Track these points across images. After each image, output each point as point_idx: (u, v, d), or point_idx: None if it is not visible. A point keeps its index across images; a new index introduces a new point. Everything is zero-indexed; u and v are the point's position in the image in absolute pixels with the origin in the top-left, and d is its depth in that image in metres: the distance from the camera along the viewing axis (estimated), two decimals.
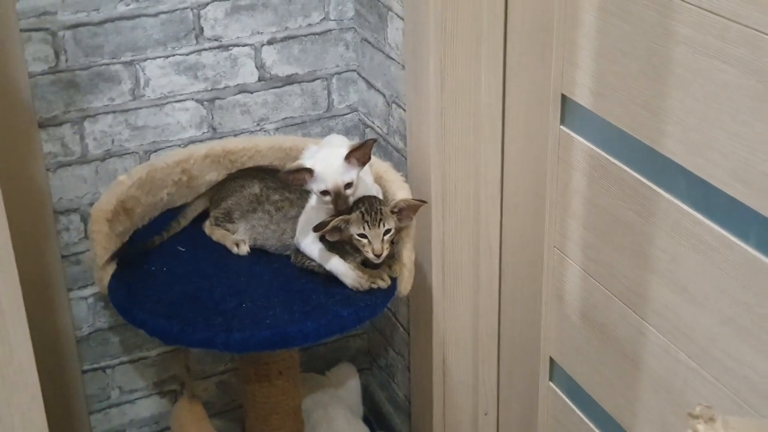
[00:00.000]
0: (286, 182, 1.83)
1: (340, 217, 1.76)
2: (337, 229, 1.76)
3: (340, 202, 1.77)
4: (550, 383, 2.08)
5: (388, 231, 1.77)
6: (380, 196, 1.89)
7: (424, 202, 1.85)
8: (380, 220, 1.76)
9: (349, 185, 1.77)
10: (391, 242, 1.78)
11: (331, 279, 1.83)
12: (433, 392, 2.17)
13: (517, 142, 1.95)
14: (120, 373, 2.30)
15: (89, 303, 2.20)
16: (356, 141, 2.01)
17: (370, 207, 1.77)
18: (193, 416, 2.07)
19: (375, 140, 1.82)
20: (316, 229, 1.76)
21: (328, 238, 1.78)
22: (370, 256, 1.77)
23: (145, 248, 1.94)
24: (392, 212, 1.79)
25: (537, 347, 2.07)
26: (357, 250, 1.78)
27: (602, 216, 1.79)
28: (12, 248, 1.24)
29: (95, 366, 2.27)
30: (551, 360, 2.06)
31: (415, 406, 2.29)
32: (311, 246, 1.84)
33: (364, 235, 1.76)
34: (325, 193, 1.77)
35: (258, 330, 1.74)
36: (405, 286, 1.88)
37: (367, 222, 1.75)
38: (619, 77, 1.66)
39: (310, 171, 1.77)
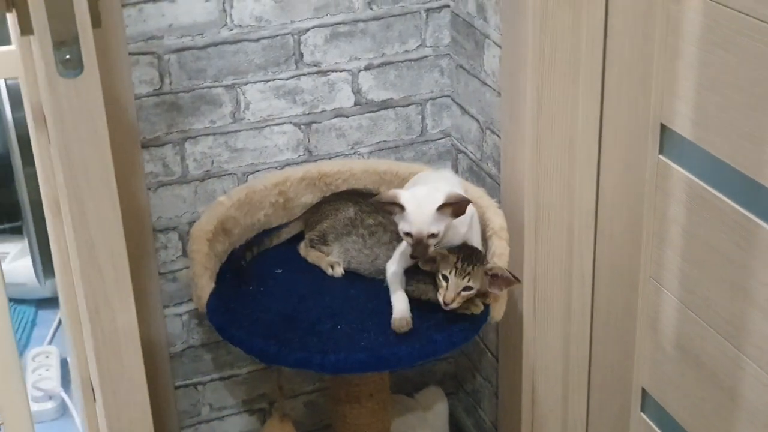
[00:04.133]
0: (378, 208, 1.85)
1: (440, 251, 1.77)
2: (433, 260, 1.78)
3: (420, 249, 1.77)
4: (642, 414, 2.06)
5: (468, 288, 1.76)
6: (477, 226, 1.91)
7: (519, 281, 1.84)
8: (468, 274, 1.76)
9: (433, 236, 1.77)
10: (467, 300, 1.78)
11: (424, 303, 1.84)
12: (522, 421, 2.17)
13: (614, 170, 1.94)
14: (211, 390, 2.34)
15: (183, 320, 2.24)
16: (463, 183, 2.05)
17: (467, 257, 1.77)
18: None
19: (469, 201, 1.81)
20: (413, 255, 1.78)
21: (421, 265, 1.80)
22: (440, 299, 1.77)
23: (239, 266, 1.99)
24: (486, 273, 1.78)
25: (629, 378, 2.05)
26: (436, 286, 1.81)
27: (701, 247, 1.78)
28: (129, 268, 1.29)
29: (187, 382, 2.31)
30: (643, 391, 2.04)
31: None
32: (391, 268, 1.87)
33: (446, 278, 1.77)
34: (408, 235, 1.79)
35: (353, 352, 1.76)
36: (498, 312, 1.89)
37: (456, 269, 1.76)
38: (721, 108, 1.65)
39: (401, 207, 1.78)
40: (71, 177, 1.21)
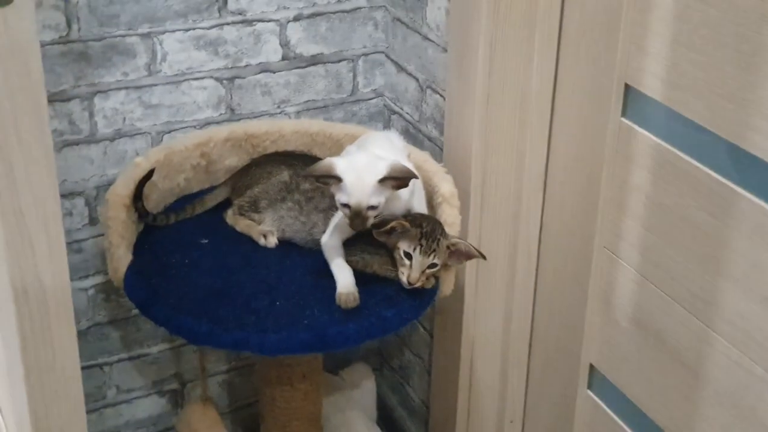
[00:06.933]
0: (311, 181, 1.68)
1: (402, 222, 1.61)
2: (391, 231, 1.62)
3: (357, 221, 1.61)
4: (589, 392, 1.96)
5: (433, 266, 1.62)
6: (420, 193, 1.75)
7: (485, 258, 1.69)
8: (434, 251, 1.61)
9: (373, 208, 1.61)
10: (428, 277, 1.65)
11: (372, 277, 1.68)
12: (458, 397, 2.04)
13: (568, 133, 1.82)
14: (118, 371, 2.15)
15: (89, 295, 2.04)
16: (408, 147, 1.88)
17: (431, 232, 1.62)
18: (207, 420, 1.92)
19: (415, 176, 1.64)
20: (374, 226, 1.61)
21: (376, 235, 1.64)
22: (403, 280, 1.63)
23: (151, 223, 1.81)
24: (448, 247, 1.64)
25: (577, 353, 1.94)
26: (392, 263, 1.65)
27: (666, 216, 1.67)
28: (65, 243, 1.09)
29: (92, 363, 2.11)
30: (591, 367, 1.93)
31: (435, 411, 2.16)
32: (327, 239, 1.70)
33: (409, 256, 1.61)
34: (345, 206, 1.62)
35: (296, 331, 1.59)
36: (448, 285, 1.75)
37: (421, 245, 1.60)
38: (699, 66, 1.54)
39: (338, 179, 1.61)
40: None
